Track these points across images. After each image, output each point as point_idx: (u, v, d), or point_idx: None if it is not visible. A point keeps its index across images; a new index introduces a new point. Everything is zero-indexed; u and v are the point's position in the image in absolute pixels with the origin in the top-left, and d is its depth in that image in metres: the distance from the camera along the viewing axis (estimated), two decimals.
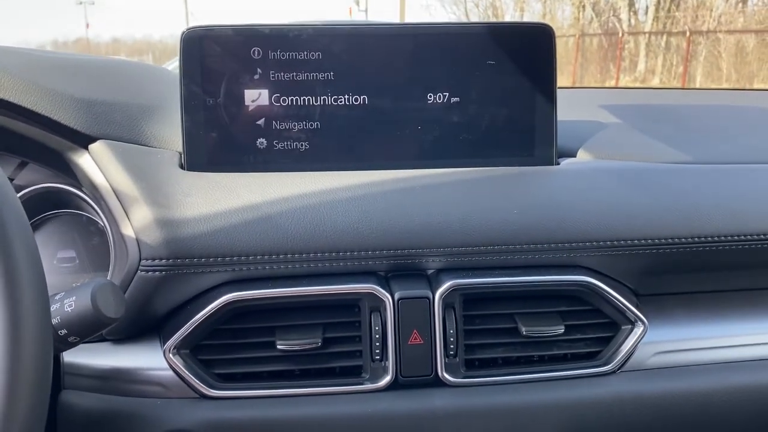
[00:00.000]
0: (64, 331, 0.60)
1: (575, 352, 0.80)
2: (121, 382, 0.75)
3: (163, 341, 0.75)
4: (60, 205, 0.85)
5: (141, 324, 0.76)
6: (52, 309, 0.60)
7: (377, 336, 0.75)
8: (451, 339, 0.76)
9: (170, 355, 0.74)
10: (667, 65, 15.35)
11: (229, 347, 0.76)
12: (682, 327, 0.85)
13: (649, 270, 0.82)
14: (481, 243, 0.76)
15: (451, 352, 0.76)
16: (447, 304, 0.76)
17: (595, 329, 0.81)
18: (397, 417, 0.75)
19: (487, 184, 0.80)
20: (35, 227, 0.85)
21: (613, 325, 0.81)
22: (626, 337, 0.80)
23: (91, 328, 0.60)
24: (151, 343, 0.76)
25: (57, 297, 0.61)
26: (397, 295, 0.75)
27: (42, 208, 0.85)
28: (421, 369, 0.76)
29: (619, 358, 0.80)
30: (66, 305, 0.60)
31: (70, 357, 0.76)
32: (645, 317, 0.79)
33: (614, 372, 0.80)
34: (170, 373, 0.74)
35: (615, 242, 0.78)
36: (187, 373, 0.74)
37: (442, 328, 0.76)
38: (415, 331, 0.76)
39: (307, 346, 0.75)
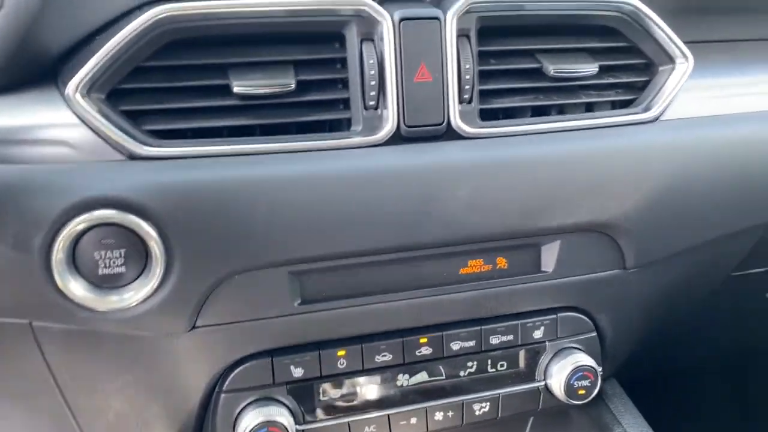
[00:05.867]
0: None
1: (607, 101, 0.67)
2: (10, 146, 0.53)
3: (65, 83, 0.53)
4: None
5: (30, 59, 0.53)
6: None
7: (372, 73, 0.56)
8: (467, 77, 0.59)
9: (77, 97, 0.52)
10: None
11: (164, 93, 0.55)
12: (725, 70, 0.73)
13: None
14: None
15: (466, 96, 0.60)
16: (461, 31, 0.58)
17: (629, 72, 0.67)
18: (401, 174, 0.58)
19: None
20: None
21: (650, 68, 0.68)
22: (667, 78, 0.66)
23: None
24: (49, 89, 0.54)
25: None
26: (397, 15, 0.56)
27: None
28: (430, 115, 0.59)
29: (660, 102, 0.66)
30: None
31: None
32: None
33: (655, 120, 0.67)
34: (81, 127, 0.53)
35: None
36: (104, 123, 0.53)
37: (456, 61, 0.58)
38: (422, 64, 0.57)
39: (276, 90, 0.55)
